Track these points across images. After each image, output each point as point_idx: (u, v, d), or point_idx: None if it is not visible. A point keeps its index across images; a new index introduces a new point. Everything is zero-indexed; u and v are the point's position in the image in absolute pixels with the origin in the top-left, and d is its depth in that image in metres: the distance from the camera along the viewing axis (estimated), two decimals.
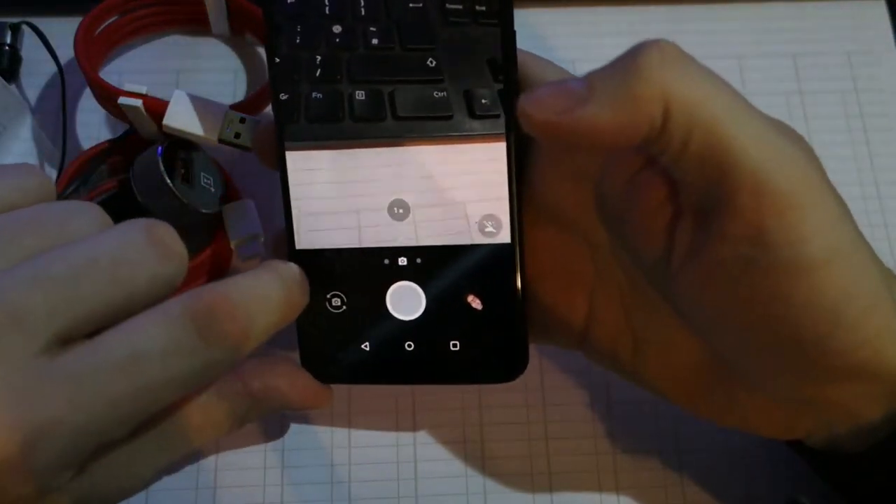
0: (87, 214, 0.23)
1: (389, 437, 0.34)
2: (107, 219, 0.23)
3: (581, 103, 0.23)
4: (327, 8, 0.28)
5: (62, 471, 0.21)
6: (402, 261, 0.29)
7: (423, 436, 0.34)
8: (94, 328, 0.22)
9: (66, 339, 0.21)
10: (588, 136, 0.23)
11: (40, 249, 0.22)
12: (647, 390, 0.30)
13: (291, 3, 0.28)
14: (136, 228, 0.22)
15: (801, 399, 0.26)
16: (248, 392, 0.28)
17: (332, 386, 0.30)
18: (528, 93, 0.24)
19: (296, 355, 0.30)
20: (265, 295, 0.24)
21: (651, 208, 0.26)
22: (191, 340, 0.22)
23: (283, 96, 0.28)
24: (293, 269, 0.27)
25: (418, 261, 0.29)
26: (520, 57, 0.28)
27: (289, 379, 0.29)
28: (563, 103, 0.23)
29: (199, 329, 0.22)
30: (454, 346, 0.29)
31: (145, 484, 0.25)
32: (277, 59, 0.28)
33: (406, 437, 0.34)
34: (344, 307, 0.29)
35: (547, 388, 0.35)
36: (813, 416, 0.27)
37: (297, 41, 0.28)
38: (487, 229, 0.28)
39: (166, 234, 0.23)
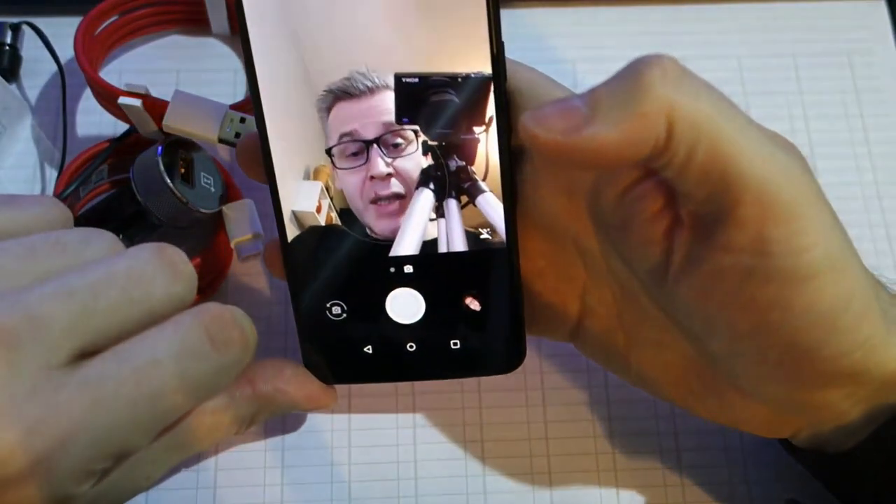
0: (103, 240, 0.24)
1: (389, 437, 0.34)
2: (120, 245, 0.24)
3: (586, 123, 0.23)
4: None
5: (83, 479, 0.22)
6: (401, 267, 0.29)
7: (423, 436, 0.34)
8: (112, 345, 0.22)
9: (86, 355, 0.22)
10: (594, 155, 0.23)
11: (59, 270, 0.22)
12: (639, 387, 0.30)
13: None
14: (147, 250, 0.23)
15: (790, 402, 0.26)
16: (256, 395, 0.29)
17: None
18: (532, 112, 0.23)
19: (297, 358, 0.30)
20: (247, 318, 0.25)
21: (647, 218, 0.26)
22: (203, 346, 0.23)
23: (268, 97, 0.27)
24: None
25: (416, 266, 0.29)
26: (509, 67, 0.27)
27: (296, 381, 0.30)
28: (568, 123, 0.23)
29: (211, 336, 0.23)
30: (454, 344, 0.29)
31: (153, 483, 0.25)
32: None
33: (406, 436, 0.34)
34: (344, 315, 0.29)
35: (547, 388, 0.35)
36: (800, 417, 0.28)
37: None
38: (483, 236, 0.28)
39: (176, 255, 0.24)
